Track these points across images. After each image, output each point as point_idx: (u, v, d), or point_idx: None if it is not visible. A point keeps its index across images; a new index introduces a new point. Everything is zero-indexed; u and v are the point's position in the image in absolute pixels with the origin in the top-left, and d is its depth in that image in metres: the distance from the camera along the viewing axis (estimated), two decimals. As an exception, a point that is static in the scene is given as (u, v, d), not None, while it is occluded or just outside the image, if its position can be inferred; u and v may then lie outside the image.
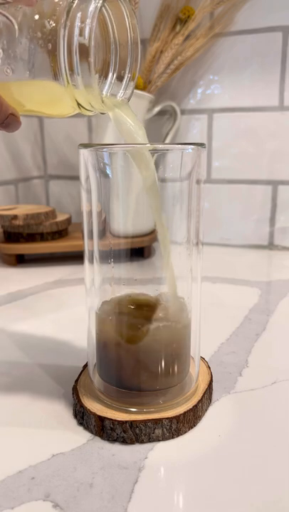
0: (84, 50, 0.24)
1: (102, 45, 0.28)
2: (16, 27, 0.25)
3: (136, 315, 0.30)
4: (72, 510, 0.23)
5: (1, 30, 0.26)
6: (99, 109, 0.27)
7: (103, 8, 0.27)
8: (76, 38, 0.24)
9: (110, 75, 0.28)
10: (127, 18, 0.27)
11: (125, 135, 0.28)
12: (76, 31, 0.24)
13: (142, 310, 0.31)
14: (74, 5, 0.24)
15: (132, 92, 0.29)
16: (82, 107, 0.27)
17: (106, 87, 0.29)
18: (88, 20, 0.24)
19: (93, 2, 0.24)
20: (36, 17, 0.25)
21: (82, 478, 0.25)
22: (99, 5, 0.24)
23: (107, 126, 0.68)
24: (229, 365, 0.38)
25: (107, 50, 0.28)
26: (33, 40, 0.25)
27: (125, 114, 0.28)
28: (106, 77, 0.29)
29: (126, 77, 0.29)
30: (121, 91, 0.29)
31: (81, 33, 0.24)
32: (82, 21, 0.24)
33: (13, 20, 0.25)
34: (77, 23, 0.24)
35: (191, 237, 0.31)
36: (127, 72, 0.28)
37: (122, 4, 0.27)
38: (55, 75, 0.25)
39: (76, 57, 0.24)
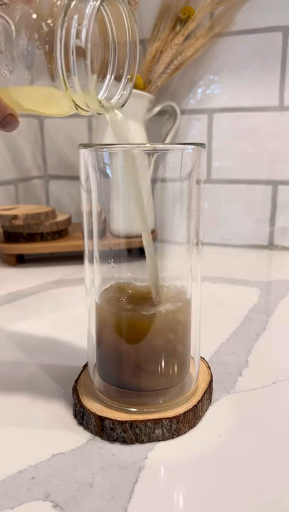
0: (81, 52, 0.24)
1: (100, 44, 0.28)
2: (13, 28, 0.25)
3: (136, 301, 0.30)
4: (72, 510, 0.23)
5: None
6: (95, 109, 0.27)
7: (102, 7, 0.27)
8: (73, 41, 0.24)
9: (108, 75, 0.28)
10: (126, 18, 0.27)
11: (119, 136, 0.28)
12: (73, 33, 0.24)
13: (142, 297, 0.31)
14: (72, 5, 0.24)
15: (130, 93, 0.29)
16: (78, 107, 0.26)
17: (104, 87, 0.29)
18: (85, 22, 0.24)
19: (91, 2, 0.24)
20: (34, 18, 0.25)
21: (82, 478, 0.25)
22: (96, 5, 0.24)
23: (107, 127, 0.68)
24: (229, 365, 0.38)
25: (106, 49, 0.28)
26: (31, 42, 0.25)
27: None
28: (104, 77, 0.28)
29: (124, 77, 0.28)
30: (119, 91, 0.29)
31: (78, 36, 0.24)
32: (80, 23, 0.24)
33: (11, 22, 0.25)
34: (74, 25, 0.24)
35: (191, 237, 0.31)
36: (125, 72, 0.28)
37: (120, 4, 0.27)
38: (53, 77, 0.25)
39: (73, 59, 0.24)
